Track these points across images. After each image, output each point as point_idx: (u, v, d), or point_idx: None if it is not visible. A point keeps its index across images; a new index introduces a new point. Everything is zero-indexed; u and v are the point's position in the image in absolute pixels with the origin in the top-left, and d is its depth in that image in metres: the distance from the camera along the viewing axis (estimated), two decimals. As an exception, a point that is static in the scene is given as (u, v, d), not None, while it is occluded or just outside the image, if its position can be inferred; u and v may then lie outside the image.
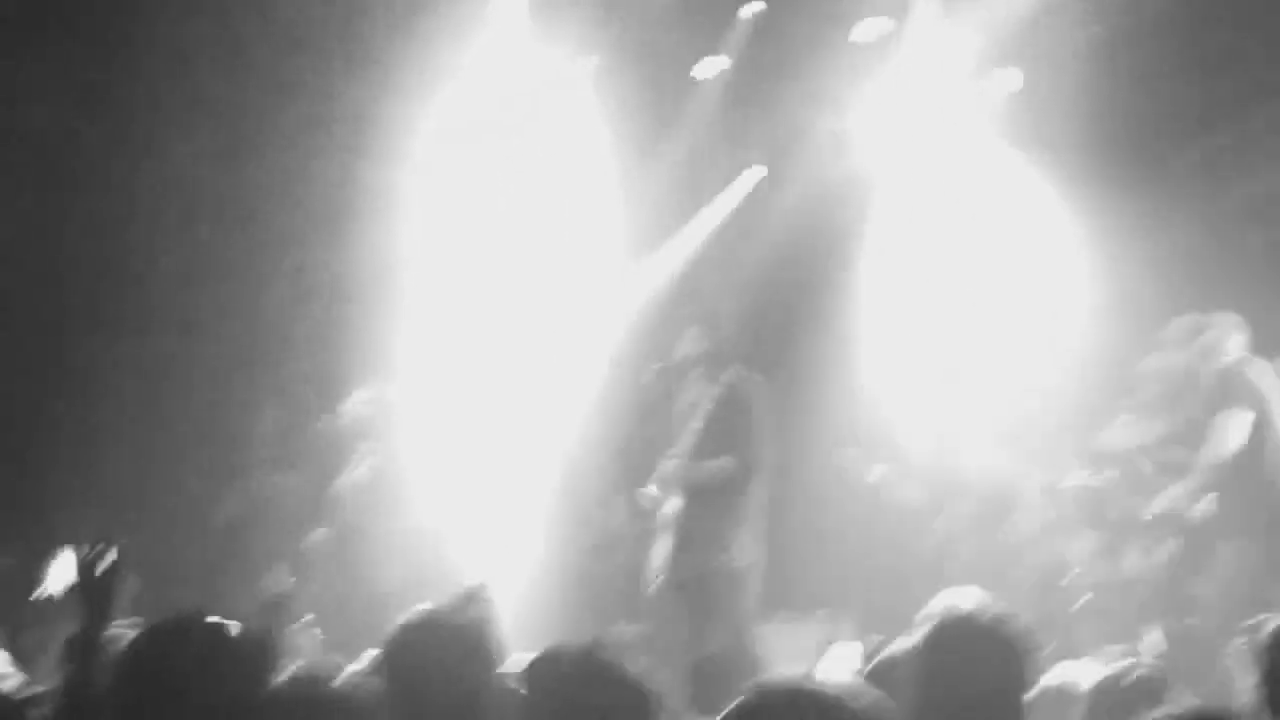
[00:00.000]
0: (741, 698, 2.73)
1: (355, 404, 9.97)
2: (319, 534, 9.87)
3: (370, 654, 4.77)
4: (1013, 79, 12.01)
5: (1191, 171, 11.60)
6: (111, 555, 3.95)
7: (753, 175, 13.00)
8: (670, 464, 8.78)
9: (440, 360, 11.62)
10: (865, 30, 12.09)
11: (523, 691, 4.02)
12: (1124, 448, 9.56)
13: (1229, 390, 7.93)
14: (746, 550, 8.65)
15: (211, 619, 3.72)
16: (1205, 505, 8.25)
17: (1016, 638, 3.91)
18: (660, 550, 8.84)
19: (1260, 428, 7.84)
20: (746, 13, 12.38)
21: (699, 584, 8.67)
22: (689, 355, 8.84)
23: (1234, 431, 7.86)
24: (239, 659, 3.54)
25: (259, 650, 3.71)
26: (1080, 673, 5.05)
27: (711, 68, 12.66)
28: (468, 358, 11.92)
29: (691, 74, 12.68)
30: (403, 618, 4.11)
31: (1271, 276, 10.42)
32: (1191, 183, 11.60)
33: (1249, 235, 11.41)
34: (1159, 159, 11.54)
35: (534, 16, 11.99)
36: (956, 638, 3.87)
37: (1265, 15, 10.87)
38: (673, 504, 8.80)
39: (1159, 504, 8.29)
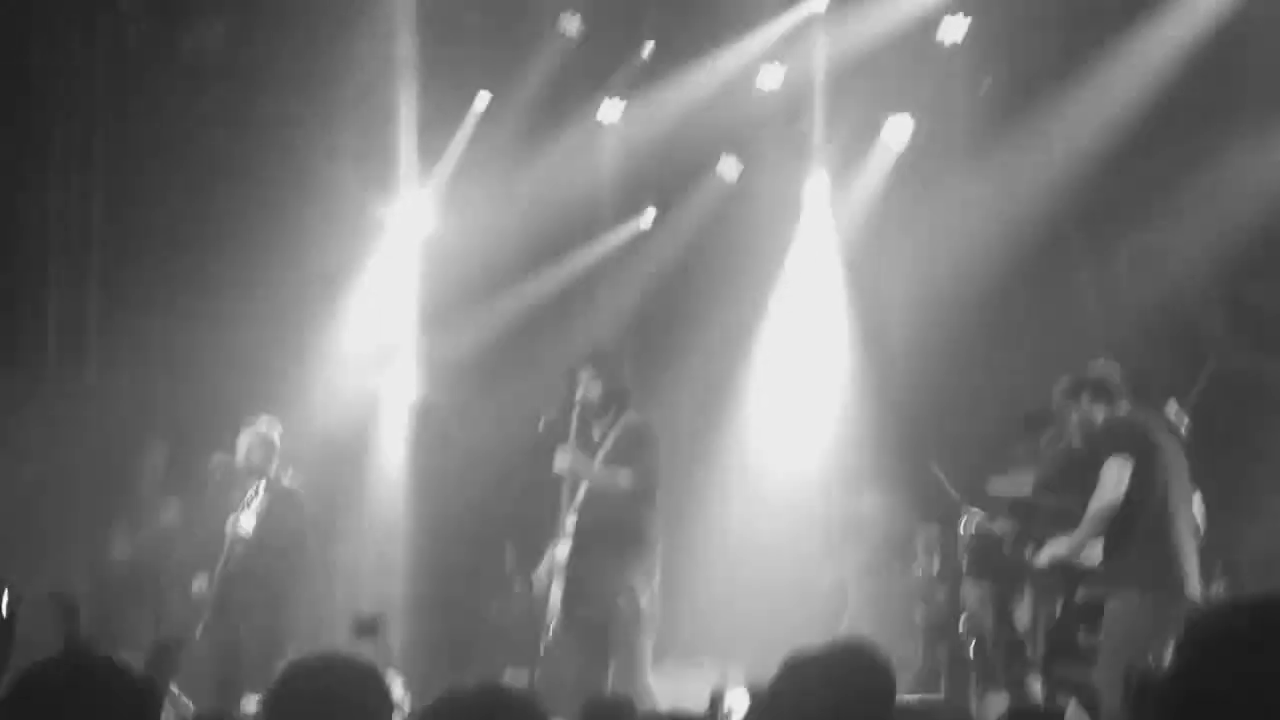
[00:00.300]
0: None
1: (245, 442, 9.86)
2: (203, 579, 9.73)
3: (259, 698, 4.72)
4: (904, 126, 12.16)
5: (1081, 223, 11.80)
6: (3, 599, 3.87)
7: (646, 216, 13.07)
8: (570, 508, 8.75)
9: (331, 398, 11.61)
10: (766, 77, 12.22)
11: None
12: (1015, 495, 9.67)
13: (1116, 440, 8.02)
14: (641, 596, 8.63)
15: (100, 657, 3.64)
16: (1093, 554, 8.32)
17: (863, 674, 3.92)
18: (555, 595, 8.80)
19: (1144, 477, 7.92)
20: (645, 53, 12.48)
21: (592, 629, 8.65)
22: (583, 398, 8.84)
23: (1118, 480, 7.93)
24: (124, 699, 3.47)
25: (145, 693, 3.63)
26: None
27: (611, 109, 12.74)
28: (363, 396, 11.93)
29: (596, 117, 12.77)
30: (293, 658, 4.02)
31: (1157, 328, 10.61)
32: (1080, 235, 11.80)
33: (1137, 288, 11.61)
34: (1049, 214, 11.72)
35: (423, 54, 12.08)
36: (801, 676, 3.89)
37: (1147, 70, 11.10)
38: (566, 549, 8.77)
39: (1048, 552, 8.35)
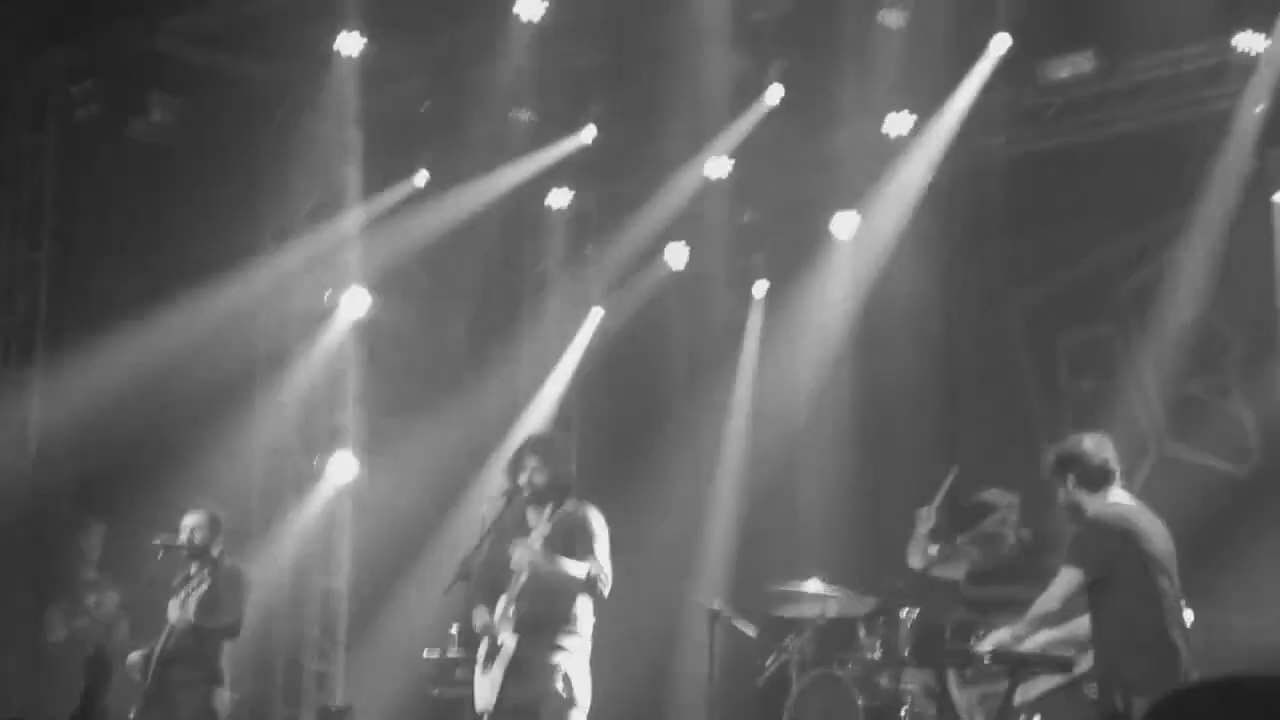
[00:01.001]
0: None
1: (188, 526, 9.80)
2: (136, 656, 9.64)
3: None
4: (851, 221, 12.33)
5: (1024, 317, 11.96)
6: None
7: (594, 315, 13.17)
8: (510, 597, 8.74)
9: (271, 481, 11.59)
10: (712, 166, 12.37)
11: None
12: (952, 582, 9.70)
13: (1081, 550, 7.81)
14: (574, 680, 8.61)
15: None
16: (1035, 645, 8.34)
17: None
18: (494, 678, 8.77)
19: (1108, 585, 7.78)
20: (588, 139, 12.61)
21: (526, 715, 8.63)
22: (529, 484, 8.84)
23: (1062, 593, 7.80)
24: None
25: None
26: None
27: (560, 198, 12.87)
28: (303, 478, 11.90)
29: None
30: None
31: (1098, 420, 10.72)
32: (1022, 330, 11.97)
33: (1076, 381, 11.75)
34: (993, 305, 11.88)
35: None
36: None
37: (1088, 171, 11.32)
38: (506, 634, 8.75)
39: (991, 640, 8.36)
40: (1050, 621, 7.89)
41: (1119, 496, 7.84)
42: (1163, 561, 7.72)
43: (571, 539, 8.68)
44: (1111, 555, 7.57)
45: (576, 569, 8.62)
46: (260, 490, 11.62)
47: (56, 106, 11.94)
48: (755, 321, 13.01)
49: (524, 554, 8.63)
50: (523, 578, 8.67)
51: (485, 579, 8.95)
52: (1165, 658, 7.57)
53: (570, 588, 8.65)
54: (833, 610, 10.52)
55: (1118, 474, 7.84)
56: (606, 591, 8.78)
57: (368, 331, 12.51)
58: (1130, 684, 7.55)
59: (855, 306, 12.32)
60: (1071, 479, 7.83)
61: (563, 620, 8.67)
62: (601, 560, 8.71)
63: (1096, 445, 7.89)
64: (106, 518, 10.92)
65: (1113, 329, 11.66)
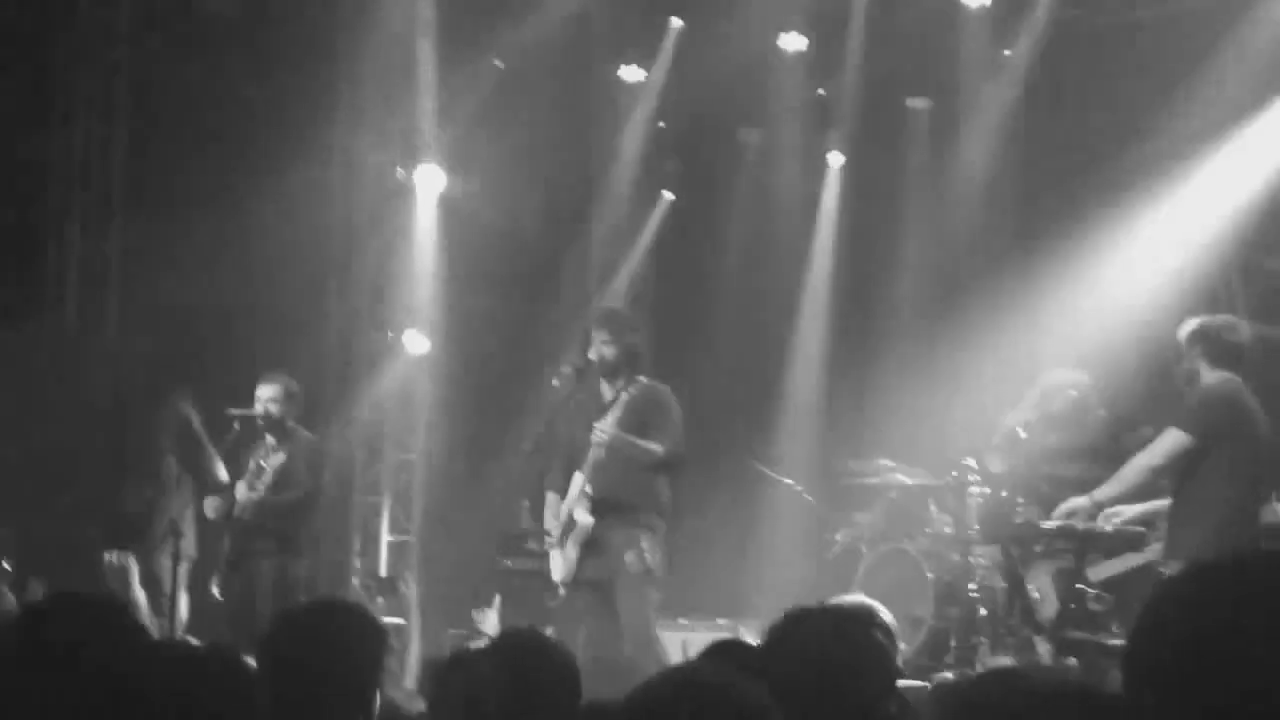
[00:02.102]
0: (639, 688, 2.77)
1: (263, 398, 9.89)
2: (212, 501, 9.77)
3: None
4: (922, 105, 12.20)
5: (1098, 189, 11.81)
6: None
7: (663, 199, 13.09)
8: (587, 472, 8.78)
9: (350, 355, 11.70)
10: (787, 40, 12.23)
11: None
12: (1023, 460, 9.67)
13: (1190, 416, 7.82)
14: (648, 555, 8.67)
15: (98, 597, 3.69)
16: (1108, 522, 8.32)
17: (855, 631, 3.93)
18: (568, 554, 8.84)
19: (1208, 457, 7.78)
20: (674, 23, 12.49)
21: (600, 587, 8.71)
22: (598, 358, 8.86)
23: (1168, 452, 7.81)
24: (122, 634, 3.52)
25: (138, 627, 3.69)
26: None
27: (633, 74, 12.77)
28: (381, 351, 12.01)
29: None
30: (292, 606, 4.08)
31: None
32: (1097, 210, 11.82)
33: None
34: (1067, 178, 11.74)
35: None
36: (795, 631, 3.91)
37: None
38: (581, 511, 8.80)
39: (1064, 509, 8.36)
40: (1148, 478, 7.90)
41: (1233, 375, 7.86)
42: (1264, 447, 7.78)
43: (645, 417, 8.71)
44: (1220, 426, 7.63)
45: (650, 447, 8.66)
46: (335, 364, 11.72)
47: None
48: (830, 197, 12.89)
49: (600, 433, 8.68)
50: (598, 455, 8.72)
51: (561, 454, 9.02)
52: (1242, 540, 7.58)
53: (644, 465, 8.70)
54: (904, 485, 10.54)
55: (1241, 362, 7.88)
56: (683, 464, 8.83)
57: (441, 209, 12.51)
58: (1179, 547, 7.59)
59: (930, 180, 12.20)
60: (1199, 349, 7.87)
61: (638, 497, 8.72)
62: (675, 438, 8.74)
63: (1235, 328, 8.00)
64: (186, 391, 11.02)
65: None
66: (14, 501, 10.57)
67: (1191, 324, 7.99)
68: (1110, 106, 11.42)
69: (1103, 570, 8.99)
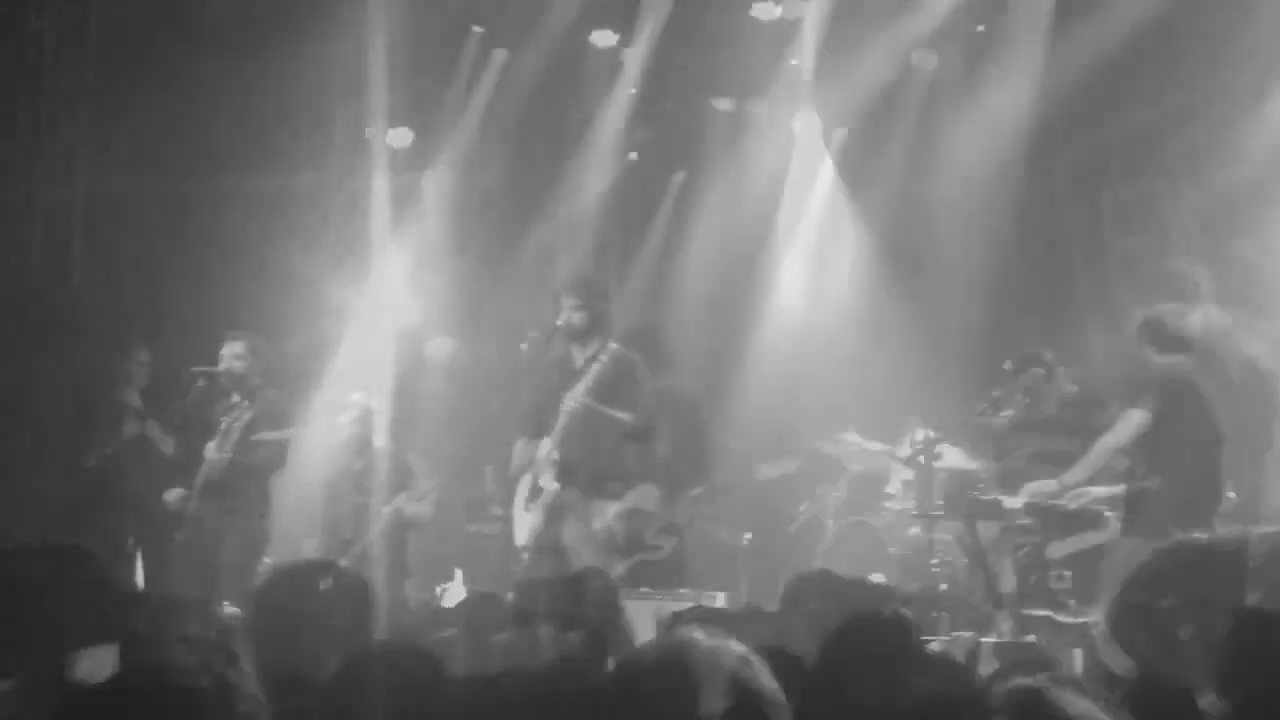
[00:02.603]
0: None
1: (228, 356, 9.83)
2: (176, 492, 9.74)
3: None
4: (928, 59, 12.13)
5: (1071, 171, 11.83)
6: None
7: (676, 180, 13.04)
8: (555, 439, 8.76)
9: (311, 317, 11.63)
10: (763, 9, 12.17)
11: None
12: (1000, 437, 9.76)
13: (1143, 392, 8.06)
14: (614, 524, 8.70)
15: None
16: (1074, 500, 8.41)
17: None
18: (534, 520, 8.85)
19: (1167, 430, 7.99)
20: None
21: (565, 554, 8.72)
22: (566, 324, 8.85)
23: (1131, 430, 8.03)
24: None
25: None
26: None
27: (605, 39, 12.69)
28: (338, 317, 11.94)
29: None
30: (274, 565, 4.11)
31: (1143, 278, 10.64)
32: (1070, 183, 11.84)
33: (1121, 237, 11.64)
34: (1042, 157, 11.75)
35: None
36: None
37: (1148, 22, 11.09)
38: (548, 478, 8.80)
39: (1030, 489, 8.47)
40: (1112, 459, 8.09)
41: (1185, 362, 8.21)
42: (1217, 429, 7.99)
43: (614, 386, 8.70)
44: (1173, 404, 7.88)
45: (619, 416, 8.66)
46: (302, 324, 11.62)
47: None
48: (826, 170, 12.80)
49: (570, 402, 8.67)
50: (566, 423, 8.71)
51: (529, 419, 9.00)
52: (1201, 520, 7.70)
53: (613, 434, 8.70)
54: (867, 459, 10.58)
55: (1190, 348, 8.25)
56: (650, 438, 8.85)
57: (408, 173, 12.43)
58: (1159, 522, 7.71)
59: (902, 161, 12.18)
60: (1146, 338, 8.23)
61: (605, 465, 8.72)
62: (644, 408, 8.75)
63: (1181, 316, 8.42)
64: (149, 345, 10.94)
65: (1162, 184, 11.51)
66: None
67: (1139, 316, 8.37)
68: (1085, 85, 11.41)
69: (1062, 548, 9.07)
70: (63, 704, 2.76)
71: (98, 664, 4.03)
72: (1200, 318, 8.57)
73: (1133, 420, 8.03)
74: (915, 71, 12.14)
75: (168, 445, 10.10)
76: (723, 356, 12.24)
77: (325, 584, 3.97)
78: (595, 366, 8.74)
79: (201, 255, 11.53)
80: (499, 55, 12.45)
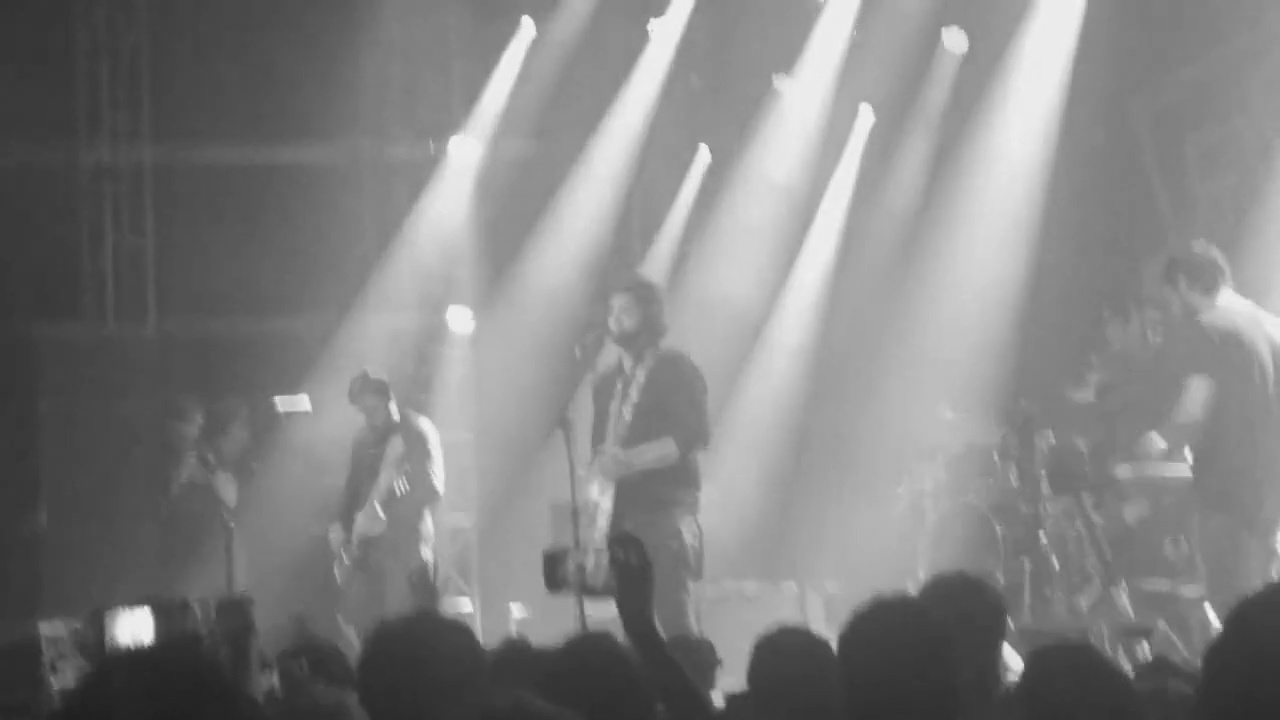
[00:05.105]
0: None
1: (365, 404, 9.95)
2: (337, 530, 9.90)
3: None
4: (958, 39, 11.91)
5: (1150, 119, 11.54)
6: None
7: (700, 156, 12.84)
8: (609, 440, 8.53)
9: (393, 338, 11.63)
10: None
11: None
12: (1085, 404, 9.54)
13: (1198, 357, 7.68)
14: (685, 535, 8.39)
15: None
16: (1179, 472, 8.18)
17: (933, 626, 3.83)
18: (601, 519, 8.53)
19: (1227, 392, 7.63)
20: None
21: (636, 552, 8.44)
22: (616, 327, 8.57)
23: (1198, 402, 7.65)
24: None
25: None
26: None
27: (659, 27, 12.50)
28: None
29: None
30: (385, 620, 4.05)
31: (1219, 226, 10.34)
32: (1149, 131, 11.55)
33: (1200, 184, 11.35)
34: (1118, 106, 11.48)
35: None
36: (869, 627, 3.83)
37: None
38: (605, 496, 8.51)
39: (1127, 465, 8.24)
40: (1189, 438, 7.79)
41: (1229, 299, 7.76)
42: (1269, 371, 7.59)
43: (663, 396, 8.38)
44: (1222, 360, 7.46)
45: (663, 453, 8.30)
46: (379, 349, 11.58)
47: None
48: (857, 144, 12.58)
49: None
50: (619, 434, 8.43)
51: (594, 428, 8.70)
52: (1235, 471, 7.48)
53: (660, 469, 8.38)
54: (965, 437, 10.36)
55: (1228, 274, 7.78)
56: (705, 444, 8.54)
57: (475, 180, 12.35)
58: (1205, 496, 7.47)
59: (969, 121, 11.93)
60: (1183, 281, 7.73)
61: (667, 481, 8.35)
62: (692, 420, 8.40)
63: (1202, 246, 7.87)
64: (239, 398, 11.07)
65: (1245, 124, 11.19)
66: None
67: (1160, 264, 7.97)
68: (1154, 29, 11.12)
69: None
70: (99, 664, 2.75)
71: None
72: (1225, 300, 7.97)
73: (1196, 388, 7.62)
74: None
75: (231, 495, 10.27)
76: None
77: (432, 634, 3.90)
78: (642, 372, 8.48)
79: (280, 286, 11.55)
80: (527, 25, 12.27)
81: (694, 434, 8.39)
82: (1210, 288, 7.74)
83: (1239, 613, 2.61)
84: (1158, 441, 8.00)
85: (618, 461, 8.34)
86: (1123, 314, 9.47)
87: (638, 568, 4.21)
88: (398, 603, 9.09)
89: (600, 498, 8.38)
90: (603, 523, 8.31)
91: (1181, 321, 7.95)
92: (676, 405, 8.36)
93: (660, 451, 8.31)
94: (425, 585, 8.84)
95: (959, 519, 9.94)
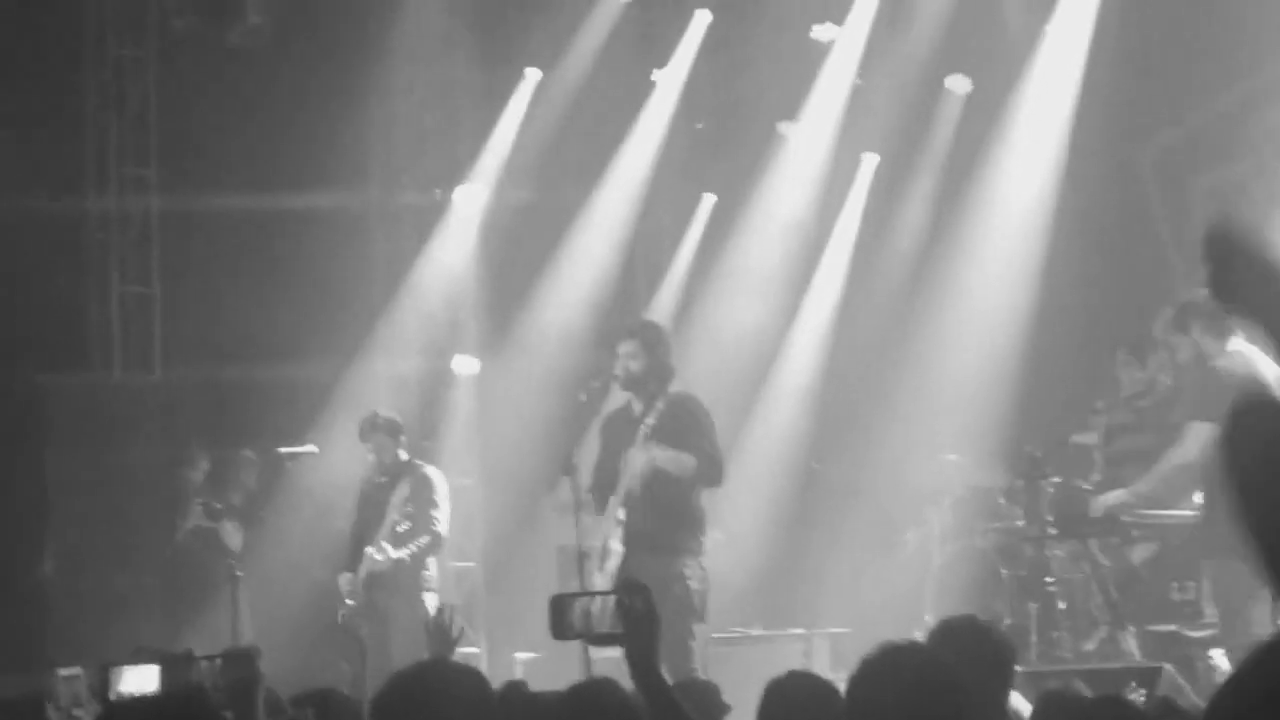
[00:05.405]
0: None
1: (373, 445, 9.90)
2: (346, 577, 9.87)
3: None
4: (962, 84, 11.95)
5: (1154, 163, 11.58)
6: None
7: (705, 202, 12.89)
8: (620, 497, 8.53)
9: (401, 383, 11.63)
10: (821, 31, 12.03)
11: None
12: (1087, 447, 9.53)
13: (1206, 403, 7.64)
14: (691, 581, 8.38)
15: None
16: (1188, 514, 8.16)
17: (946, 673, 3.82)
18: (611, 561, 8.55)
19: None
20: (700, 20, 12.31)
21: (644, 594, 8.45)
22: (624, 371, 8.59)
23: (1198, 447, 7.61)
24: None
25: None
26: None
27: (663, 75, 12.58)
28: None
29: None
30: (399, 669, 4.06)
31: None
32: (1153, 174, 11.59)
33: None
34: (1122, 150, 11.52)
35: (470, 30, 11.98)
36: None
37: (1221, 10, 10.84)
38: (616, 541, 8.51)
39: (1103, 501, 8.23)
40: (1182, 476, 7.76)
41: (1241, 345, 7.70)
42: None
43: (678, 431, 8.42)
44: (1250, 410, 7.43)
45: (684, 458, 8.36)
46: (388, 393, 11.59)
47: (155, 20, 11.82)
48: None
49: (640, 457, 8.38)
50: (631, 486, 8.43)
51: (604, 473, 8.70)
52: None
53: (682, 486, 8.40)
54: (971, 480, 10.35)
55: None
56: (721, 479, 8.57)
57: (481, 228, 12.39)
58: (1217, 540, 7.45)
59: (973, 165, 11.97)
60: (1196, 327, 7.69)
61: (673, 526, 8.40)
62: (709, 450, 8.44)
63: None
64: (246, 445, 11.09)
65: (1250, 167, 11.22)
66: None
67: (1176, 304, 7.96)
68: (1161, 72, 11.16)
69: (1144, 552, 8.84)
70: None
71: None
72: (1236, 345, 7.93)
73: (1195, 433, 7.60)
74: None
75: (236, 542, 10.28)
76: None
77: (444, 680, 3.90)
78: (654, 415, 8.48)
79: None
80: (532, 74, 12.33)
81: (713, 463, 8.42)
82: (1223, 333, 7.73)
83: (1253, 658, 2.58)
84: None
85: (652, 465, 8.32)
86: (1140, 357, 9.46)
87: (644, 613, 4.20)
88: (402, 647, 9.03)
89: (613, 542, 8.40)
90: (612, 565, 8.33)
91: (1192, 367, 7.91)
92: (694, 441, 8.39)
93: (683, 460, 8.32)
94: (442, 633, 8.80)
95: (965, 561, 9.92)
